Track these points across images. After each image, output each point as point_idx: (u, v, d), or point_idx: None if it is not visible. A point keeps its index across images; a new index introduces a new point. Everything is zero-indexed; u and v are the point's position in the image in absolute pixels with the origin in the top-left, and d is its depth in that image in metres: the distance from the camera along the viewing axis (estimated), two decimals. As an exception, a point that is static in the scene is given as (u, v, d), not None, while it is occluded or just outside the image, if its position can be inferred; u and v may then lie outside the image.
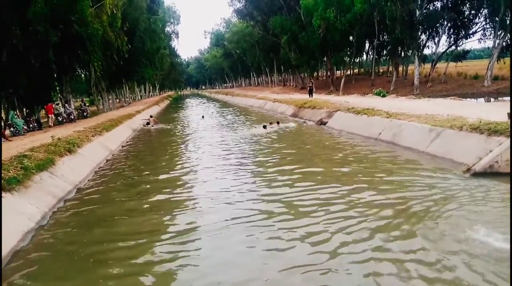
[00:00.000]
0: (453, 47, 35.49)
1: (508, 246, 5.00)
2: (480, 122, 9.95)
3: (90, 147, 13.98)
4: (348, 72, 48.13)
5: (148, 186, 9.81)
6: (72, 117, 23.67)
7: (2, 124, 17.29)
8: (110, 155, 15.00)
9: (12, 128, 17.71)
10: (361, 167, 10.20)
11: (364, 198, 7.54)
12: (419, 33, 33.78)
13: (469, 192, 7.43)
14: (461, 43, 35.47)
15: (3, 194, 7.24)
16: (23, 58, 18.55)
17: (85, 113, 26.96)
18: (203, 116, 29.69)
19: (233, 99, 53.14)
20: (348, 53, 43.17)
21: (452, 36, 34.99)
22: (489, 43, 33.75)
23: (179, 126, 25.09)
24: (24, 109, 22.80)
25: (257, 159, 12.24)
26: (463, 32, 34.43)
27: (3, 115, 20.13)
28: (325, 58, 44.71)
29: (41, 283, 5.19)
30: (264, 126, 18.63)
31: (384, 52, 44.97)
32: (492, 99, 26.14)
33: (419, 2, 31.67)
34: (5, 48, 17.79)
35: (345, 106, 19.51)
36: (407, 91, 32.49)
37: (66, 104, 24.38)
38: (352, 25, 35.85)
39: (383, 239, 5.65)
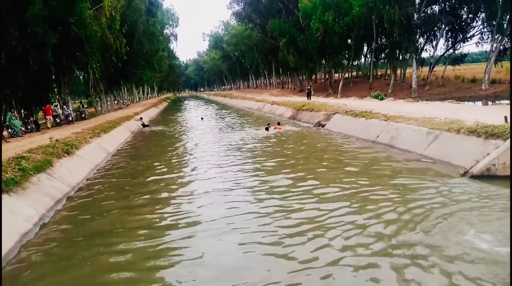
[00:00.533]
0: (451, 50, 35.68)
1: (505, 249, 5.02)
2: (478, 125, 9.99)
3: (88, 149, 13.96)
4: (346, 75, 48.24)
5: (146, 188, 9.80)
6: (70, 119, 23.64)
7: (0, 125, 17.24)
8: (108, 156, 14.98)
9: (10, 130, 17.66)
10: (358, 169, 10.22)
11: (360, 200, 7.56)
12: (417, 37, 33.94)
13: (466, 194, 7.47)
14: (458, 47, 35.72)
15: (1, 195, 7.22)
16: (21, 60, 18.54)
17: (83, 115, 26.93)
18: (202, 118, 29.73)
19: (232, 102, 53.19)
20: (346, 56, 43.28)
21: (450, 39, 35.20)
22: (486, 46, 34.06)
23: (178, 128, 25.10)
24: (22, 111, 22.76)
25: (262, 161, 12.25)
26: (460, 36, 34.62)
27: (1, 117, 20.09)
28: (324, 61, 44.84)
29: (39, 284, 5.16)
30: (267, 128, 18.62)
31: (382, 55, 45.15)
32: (489, 103, 26.26)
33: (417, 6, 31.82)
34: (4, 50, 17.77)
35: (343, 109, 19.56)
36: (405, 94, 32.60)
37: (64, 106, 24.34)
38: (350, 28, 35.95)
39: (378, 242, 5.66)
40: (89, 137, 15.51)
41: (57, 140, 12.62)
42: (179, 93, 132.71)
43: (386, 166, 10.42)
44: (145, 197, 9.00)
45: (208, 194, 8.81)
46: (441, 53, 36.69)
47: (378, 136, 14.04)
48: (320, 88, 47.17)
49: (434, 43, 35.73)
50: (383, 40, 41.04)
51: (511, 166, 8.04)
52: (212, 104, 56.89)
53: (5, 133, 16.74)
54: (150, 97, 79.20)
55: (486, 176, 8.37)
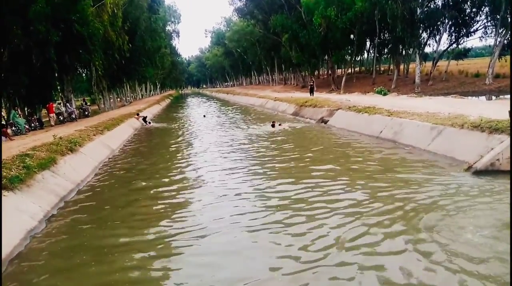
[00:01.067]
0: (454, 45, 35.45)
1: (506, 245, 5.03)
2: (481, 120, 9.95)
3: (92, 146, 14.01)
4: (349, 70, 48.09)
5: (150, 184, 9.84)
6: (74, 117, 23.72)
7: (4, 123, 17.32)
8: (112, 153, 15.03)
9: (13, 128, 17.77)
10: (362, 164, 10.21)
11: (365, 195, 7.56)
12: (420, 31, 33.75)
13: (470, 189, 7.44)
14: (462, 41, 35.48)
15: (6, 193, 7.27)
16: (24, 58, 18.59)
17: (86, 113, 27.02)
18: (204, 115, 29.74)
19: (234, 98, 53.15)
20: (349, 51, 43.11)
21: (453, 34, 34.97)
22: (490, 41, 33.79)
23: (181, 125, 25.14)
24: (26, 109, 22.85)
25: (268, 157, 12.26)
26: (464, 30, 34.39)
27: (4, 114, 20.18)
28: (326, 57, 44.63)
29: (44, 282, 5.19)
30: (272, 125, 18.56)
31: (385, 50, 44.90)
32: (493, 97, 26.09)
33: (420, 0, 31.59)
34: (7, 48, 17.83)
35: (346, 104, 19.51)
36: (408, 90, 32.47)
37: (68, 104, 24.42)
38: (353, 24, 35.78)
39: (382, 236, 5.67)
40: (93, 134, 15.56)
41: (60, 138, 12.66)
42: (181, 90, 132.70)
43: (389, 161, 10.39)
44: (149, 193, 9.04)
45: (211, 187, 8.85)
46: (445, 48, 36.54)
47: (381, 132, 14.01)
48: (323, 84, 47.05)
49: (437, 38, 35.57)
50: (386, 35, 40.85)
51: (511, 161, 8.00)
52: (215, 101, 56.89)
53: (9, 131, 16.83)
54: (152, 95, 79.27)
55: (490, 171, 8.33)
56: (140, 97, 65.12)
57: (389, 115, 14.44)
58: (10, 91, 19.74)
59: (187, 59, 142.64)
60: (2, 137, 15.21)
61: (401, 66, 40.54)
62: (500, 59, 31.69)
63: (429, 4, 32.87)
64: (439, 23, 34.16)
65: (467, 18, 33.82)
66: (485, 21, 33.16)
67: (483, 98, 27.11)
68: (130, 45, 30.29)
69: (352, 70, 49.78)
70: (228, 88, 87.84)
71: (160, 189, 9.30)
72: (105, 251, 5.94)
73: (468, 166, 8.80)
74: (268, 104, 33.48)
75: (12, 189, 7.55)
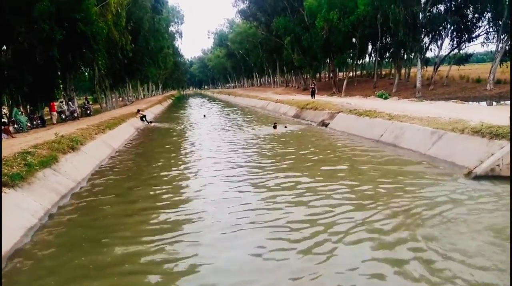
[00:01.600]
0: (456, 50, 35.48)
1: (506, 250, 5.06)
2: (482, 125, 9.98)
3: (93, 145, 14.05)
4: (351, 74, 48.09)
5: (150, 183, 9.87)
6: (76, 115, 23.77)
7: (6, 121, 17.37)
8: (113, 152, 15.07)
9: (15, 125, 17.81)
10: (362, 168, 10.24)
11: (363, 199, 7.59)
12: (422, 36, 33.76)
13: (470, 195, 7.47)
14: (464, 47, 35.49)
15: (7, 190, 7.31)
16: (27, 56, 18.66)
17: (88, 111, 27.07)
18: (204, 115, 29.76)
19: (236, 100, 53.20)
20: (351, 55, 43.12)
21: (455, 39, 34.97)
22: (492, 47, 33.80)
23: (183, 126, 25.17)
24: (28, 106, 22.90)
25: (268, 159, 12.30)
26: (466, 36, 34.40)
27: (6, 111, 20.23)
28: (328, 60, 44.65)
29: (43, 280, 5.22)
30: (274, 126, 18.52)
31: (387, 54, 44.89)
32: (494, 103, 26.13)
33: (423, 5, 31.63)
34: (10, 46, 17.90)
35: (347, 108, 19.54)
36: (409, 94, 32.48)
37: (70, 102, 24.47)
38: (355, 27, 35.84)
39: (382, 240, 5.70)
40: (94, 133, 15.60)
41: (62, 136, 12.72)
42: (183, 91, 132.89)
43: (390, 165, 10.41)
44: (149, 192, 9.08)
45: (210, 187, 8.89)
46: (446, 53, 36.53)
47: (382, 135, 14.03)
48: (324, 87, 47.07)
49: (439, 42, 35.51)
50: (387, 40, 40.84)
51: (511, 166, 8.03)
52: (217, 102, 56.93)
53: (11, 128, 16.87)
54: (154, 95, 79.34)
55: (490, 176, 8.35)
56: (142, 97, 65.17)
57: (389, 119, 14.46)
58: (12, 88, 19.81)
59: (189, 60, 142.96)
60: (4, 135, 15.26)
61: (403, 71, 40.56)
62: (501, 65, 31.70)
63: (431, 9, 32.90)
64: (441, 28, 34.17)
65: (469, 23, 33.85)
66: (487, 26, 33.21)
67: (484, 103, 27.13)
68: (133, 45, 30.43)
69: (354, 73, 49.78)
70: (229, 90, 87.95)
71: (160, 188, 9.34)
72: (105, 250, 5.97)
73: (468, 171, 8.82)
74: (270, 106, 33.52)
75: (13, 186, 7.59)
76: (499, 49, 30.97)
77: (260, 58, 66.59)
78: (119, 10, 25.97)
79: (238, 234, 6.29)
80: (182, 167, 11.91)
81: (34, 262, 5.70)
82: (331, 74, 47.80)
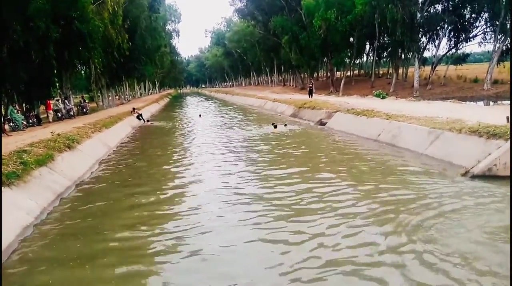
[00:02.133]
0: (453, 50, 35.61)
1: (502, 248, 5.05)
2: (479, 125, 9.99)
3: (90, 143, 13.98)
4: (348, 73, 48.13)
5: (147, 182, 9.84)
6: (72, 114, 23.66)
7: (1, 119, 17.26)
8: (109, 151, 15.01)
9: (11, 124, 17.67)
10: (360, 167, 10.24)
11: (362, 198, 7.58)
12: (420, 36, 33.88)
13: (467, 194, 7.46)
14: (461, 46, 35.64)
15: (2, 188, 7.23)
16: (23, 54, 18.51)
17: (84, 110, 26.97)
18: (200, 115, 29.58)
19: (233, 99, 53.16)
20: (349, 54, 43.17)
21: (453, 39, 35.10)
22: (489, 47, 33.99)
23: (179, 124, 25.11)
24: (24, 105, 22.76)
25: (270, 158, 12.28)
26: (463, 36, 34.53)
27: (2, 110, 20.09)
28: (326, 59, 44.76)
29: (39, 278, 5.18)
30: (275, 126, 18.42)
31: (385, 54, 44.98)
32: (491, 103, 26.22)
33: (420, 5, 31.72)
34: (6, 44, 17.76)
35: (345, 107, 19.54)
36: (406, 94, 32.55)
37: (66, 101, 24.35)
38: (352, 27, 35.88)
39: (379, 240, 5.68)
40: (91, 132, 15.53)
41: (58, 134, 12.64)
42: (180, 90, 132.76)
43: (386, 164, 10.42)
44: (146, 190, 9.04)
45: (205, 185, 8.86)
46: (444, 52, 36.63)
47: (379, 135, 14.04)
48: (321, 86, 47.10)
49: (436, 42, 35.68)
50: (385, 39, 40.92)
51: (511, 166, 8.03)
52: (214, 101, 56.89)
53: (6, 127, 16.76)
54: (151, 93, 79.17)
55: (487, 176, 8.36)
56: (139, 95, 65.02)
57: (387, 119, 14.47)
58: (8, 87, 19.66)
59: (186, 58, 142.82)
60: (-1, 133, 15.17)
61: (400, 70, 40.65)
62: (498, 65, 31.85)
63: (429, 9, 33.00)
64: (438, 28, 34.30)
65: (466, 23, 33.98)
66: (484, 27, 33.37)
67: (481, 103, 27.24)
68: (130, 43, 30.24)
69: (351, 73, 49.87)
70: (227, 89, 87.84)
71: (156, 186, 9.29)
72: (101, 249, 5.92)
73: (465, 170, 8.83)
74: (267, 105, 33.49)
75: (9, 185, 7.52)
76: (496, 49, 31.10)
77: (258, 57, 66.61)
78: (116, 8, 25.82)
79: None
80: (178, 165, 11.86)
81: (29, 261, 5.64)
82: (328, 74, 47.85)
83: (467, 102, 25.30)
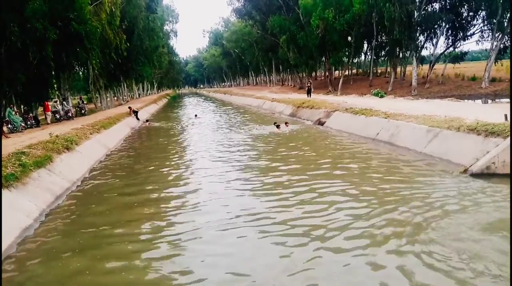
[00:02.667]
0: (451, 48, 35.58)
1: (501, 247, 5.06)
2: (478, 123, 10.00)
3: (88, 145, 13.97)
4: (347, 72, 48.12)
5: (145, 183, 9.83)
6: (70, 115, 23.62)
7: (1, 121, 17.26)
8: (108, 152, 14.99)
9: (9, 125, 17.66)
10: (359, 166, 10.24)
11: (361, 196, 7.59)
12: (417, 34, 33.82)
13: (465, 192, 7.48)
14: (459, 45, 35.56)
15: (2, 191, 7.22)
16: (21, 55, 18.49)
17: (83, 111, 26.92)
18: (196, 115, 29.47)
19: (231, 99, 53.15)
20: (347, 53, 43.17)
21: (450, 37, 35.07)
22: (487, 45, 33.95)
23: (178, 125, 25.09)
24: (22, 106, 22.72)
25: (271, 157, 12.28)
26: (461, 34, 34.51)
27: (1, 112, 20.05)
28: (324, 58, 44.70)
29: (37, 280, 5.17)
30: (278, 126, 18.31)
31: (383, 53, 45.01)
32: (489, 101, 26.26)
33: (418, 3, 31.71)
34: (3, 45, 17.73)
35: (343, 106, 19.55)
36: (405, 92, 32.57)
37: (64, 102, 24.32)
38: (350, 26, 35.87)
39: (379, 238, 5.70)
40: (89, 133, 15.52)
41: (57, 136, 12.63)
42: (178, 90, 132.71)
43: (385, 163, 10.42)
44: (145, 191, 9.04)
45: (205, 186, 8.86)
46: (441, 51, 36.62)
47: (378, 133, 14.05)
48: (320, 85, 47.11)
49: (434, 41, 35.63)
50: (383, 38, 40.92)
51: (511, 164, 8.04)
52: (212, 101, 56.88)
53: (5, 129, 16.74)
54: (150, 94, 79.08)
55: (485, 174, 8.38)
56: (137, 96, 64.93)
57: (385, 118, 14.49)
58: (6, 88, 19.64)
59: (184, 59, 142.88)
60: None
61: (398, 69, 40.67)
62: (496, 63, 31.87)
63: (426, 7, 32.99)
64: (436, 26, 34.27)
65: (464, 21, 33.97)
66: (481, 25, 33.33)
67: (479, 101, 27.25)
68: (128, 44, 30.22)
69: (349, 72, 49.85)
70: (225, 89, 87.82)
71: (155, 188, 9.29)
72: (100, 251, 5.92)
73: (463, 169, 8.85)
74: (265, 105, 33.49)
75: (8, 187, 7.52)
76: (493, 47, 31.12)
77: (256, 57, 66.61)
78: (113, 9, 25.78)
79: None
80: (179, 166, 11.86)
81: (27, 263, 5.63)
82: (327, 73, 47.84)
83: (465, 100, 25.35)
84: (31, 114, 21.04)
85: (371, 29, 36.84)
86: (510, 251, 4.71)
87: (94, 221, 7.24)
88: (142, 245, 6.02)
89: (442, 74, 36.36)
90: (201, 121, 25.98)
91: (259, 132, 18.24)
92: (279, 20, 42.75)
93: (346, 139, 14.95)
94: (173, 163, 12.50)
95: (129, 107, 27.81)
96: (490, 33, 32.05)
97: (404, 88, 34.99)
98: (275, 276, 4.90)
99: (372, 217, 6.54)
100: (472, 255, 5.02)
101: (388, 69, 44.52)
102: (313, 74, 55.69)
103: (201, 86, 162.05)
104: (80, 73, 34.48)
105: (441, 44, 38.40)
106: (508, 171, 8.02)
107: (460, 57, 35.97)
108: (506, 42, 31.18)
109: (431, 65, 35.97)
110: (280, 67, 63.00)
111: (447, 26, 34.13)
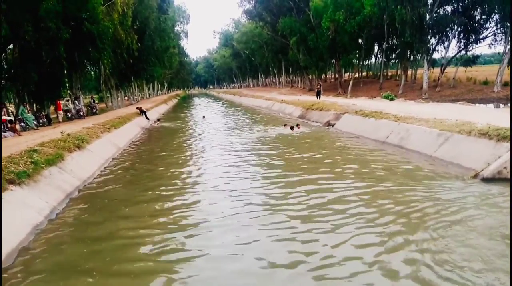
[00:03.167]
0: (463, 52, 35.24)
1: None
2: (489, 127, 9.89)
3: (99, 143, 14.10)
4: (357, 75, 47.97)
5: (155, 183, 9.88)
6: (82, 114, 23.87)
7: (12, 118, 17.51)
8: (119, 151, 15.11)
9: (22, 123, 17.92)
10: (369, 169, 10.18)
11: (372, 200, 7.55)
12: (429, 37, 33.56)
13: (476, 197, 7.40)
14: (471, 48, 35.21)
15: (13, 188, 7.34)
16: (34, 54, 18.76)
17: (94, 110, 27.21)
18: (204, 116, 29.48)
19: (241, 100, 53.23)
20: (357, 55, 43.05)
21: (462, 40, 34.75)
22: (499, 48, 33.56)
23: (188, 125, 25.19)
24: (34, 105, 23.03)
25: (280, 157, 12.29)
26: (473, 37, 34.16)
27: (13, 110, 20.35)
28: (334, 60, 44.61)
29: (48, 278, 5.23)
30: (292, 127, 18.36)
31: (393, 55, 44.77)
32: (501, 105, 25.94)
33: (429, 6, 31.46)
34: (17, 44, 18.02)
35: (353, 108, 19.47)
36: (415, 95, 32.34)
37: (76, 101, 24.59)
38: (361, 28, 35.76)
39: (390, 243, 5.66)
40: (100, 132, 15.66)
41: (68, 134, 12.78)
42: (188, 90, 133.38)
43: (395, 166, 10.35)
44: (155, 191, 9.08)
45: (211, 187, 8.89)
46: (453, 54, 36.33)
47: (388, 137, 13.96)
48: (329, 87, 47.00)
49: (446, 44, 35.32)
50: (394, 40, 40.72)
51: (511, 169, 7.94)
52: (222, 102, 56.99)
53: (17, 126, 16.99)
54: (160, 94, 79.61)
55: (497, 179, 8.27)
56: (148, 96, 65.41)
57: (396, 121, 14.39)
58: (19, 87, 19.95)
59: (195, 59, 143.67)
60: (11, 132, 15.38)
61: (409, 72, 40.41)
62: (509, 67, 31.46)
63: (438, 10, 32.72)
64: (448, 29, 33.95)
65: (476, 25, 33.61)
66: (494, 28, 32.94)
67: (491, 106, 26.93)
68: (139, 44, 30.50)
69: (360, 74, 49.66)
70: (235, 90, 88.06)
71: (166, 187, 9.34)
72: (110, 249, 5.98)
73: (475, 173, 8.75)
74: (275, 106, 33.49)
75: (20, 184, 7.62)
76: (506, 50, 30.75)
77: (266, 59, 66.69)
78: (125, 10, 26.07)
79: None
80: (190, 167, 11.90)
81: (39, 260, 5.70)
82: (336, 75, 47.72)
83: (477, 104, 25.02)
84: (43, 113, 21.30)
85: (382, 31, 36.68)
86: (510, 251, 4.66)
87: (105, 219, 7.31)
88: (155, 245, 6.02)
89: (453, 78, 36.03)
90: (210, 122, 26.01)
91: (268, 133, 18.24)
92: (289, 22, 42.77)
93: (355, 142, 14.86)
94: (185, 165, 12.54)
95: (137, 108, 28.03)
96: (503, 37, 31.67)
97: (415, 91, 34.74)
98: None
99: (379, 218, 6.52)
100: (483, 261, 4.96)
101: (399, 72, 44.30)
102: (323, 76, 55.56)
103: (211, 87, 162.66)
104: (92, 72, 34.83)
105: (453, 47, 37.98)
106: (521, 176, 7.92)
107: (472, 61, 35.58)
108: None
109: (443, 68, 35.67)
110: (290, 69, 63.02)
111: (459, 29, 33.82)
